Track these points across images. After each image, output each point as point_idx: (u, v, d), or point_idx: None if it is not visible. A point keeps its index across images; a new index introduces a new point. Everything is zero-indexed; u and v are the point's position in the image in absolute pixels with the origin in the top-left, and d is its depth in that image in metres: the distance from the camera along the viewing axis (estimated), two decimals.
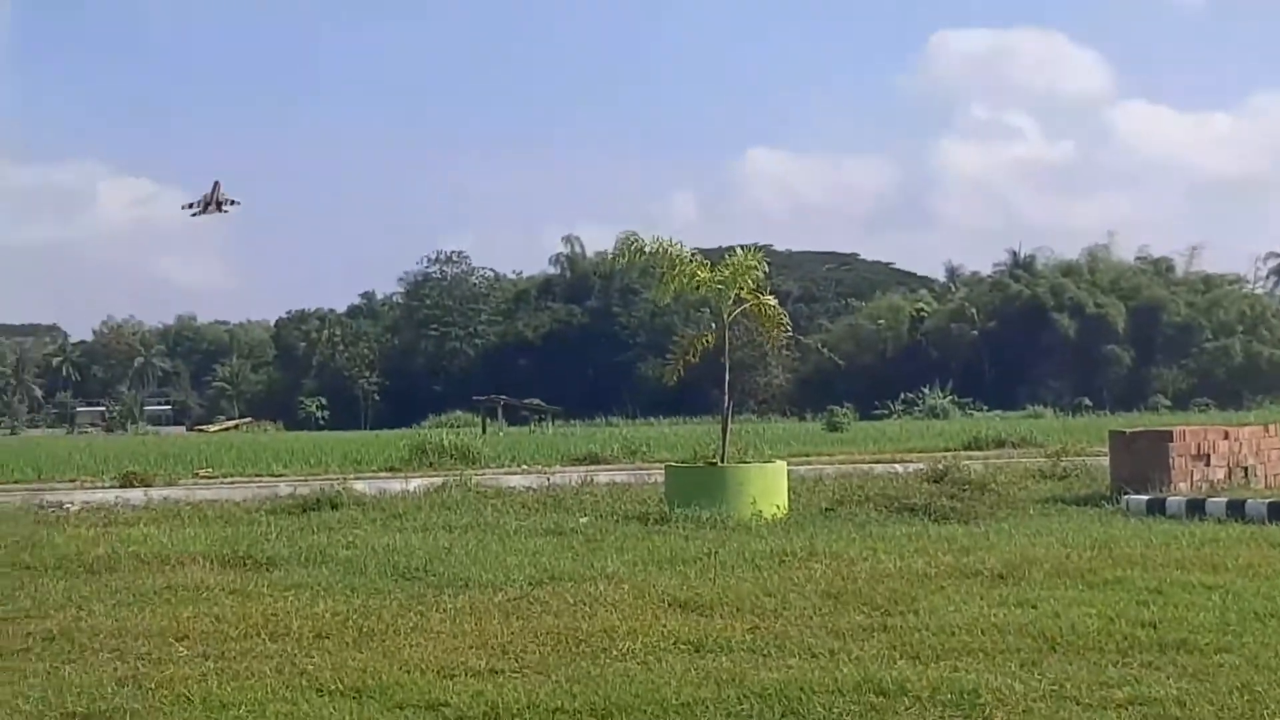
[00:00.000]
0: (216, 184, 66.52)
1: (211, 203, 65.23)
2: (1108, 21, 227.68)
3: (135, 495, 27.26)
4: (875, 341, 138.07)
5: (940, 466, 27.64)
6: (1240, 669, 9.77)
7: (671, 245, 25.27)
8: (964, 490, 24.23)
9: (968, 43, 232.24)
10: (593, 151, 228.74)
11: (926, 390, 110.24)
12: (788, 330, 27.07)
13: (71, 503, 25.75)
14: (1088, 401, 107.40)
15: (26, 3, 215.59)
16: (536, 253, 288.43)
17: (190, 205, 67.90)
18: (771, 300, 25.70)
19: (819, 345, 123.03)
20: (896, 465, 32.37)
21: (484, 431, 71.03)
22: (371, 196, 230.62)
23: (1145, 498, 22.23)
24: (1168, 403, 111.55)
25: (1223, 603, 12.44)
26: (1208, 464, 25.22)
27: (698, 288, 25.20)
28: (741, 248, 25.57)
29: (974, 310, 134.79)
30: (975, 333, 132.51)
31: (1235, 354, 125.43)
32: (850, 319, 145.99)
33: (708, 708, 8.94)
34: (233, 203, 68.93)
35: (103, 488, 30.28)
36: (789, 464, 25.85)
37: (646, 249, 25.45)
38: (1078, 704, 8.86)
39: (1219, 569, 14.63)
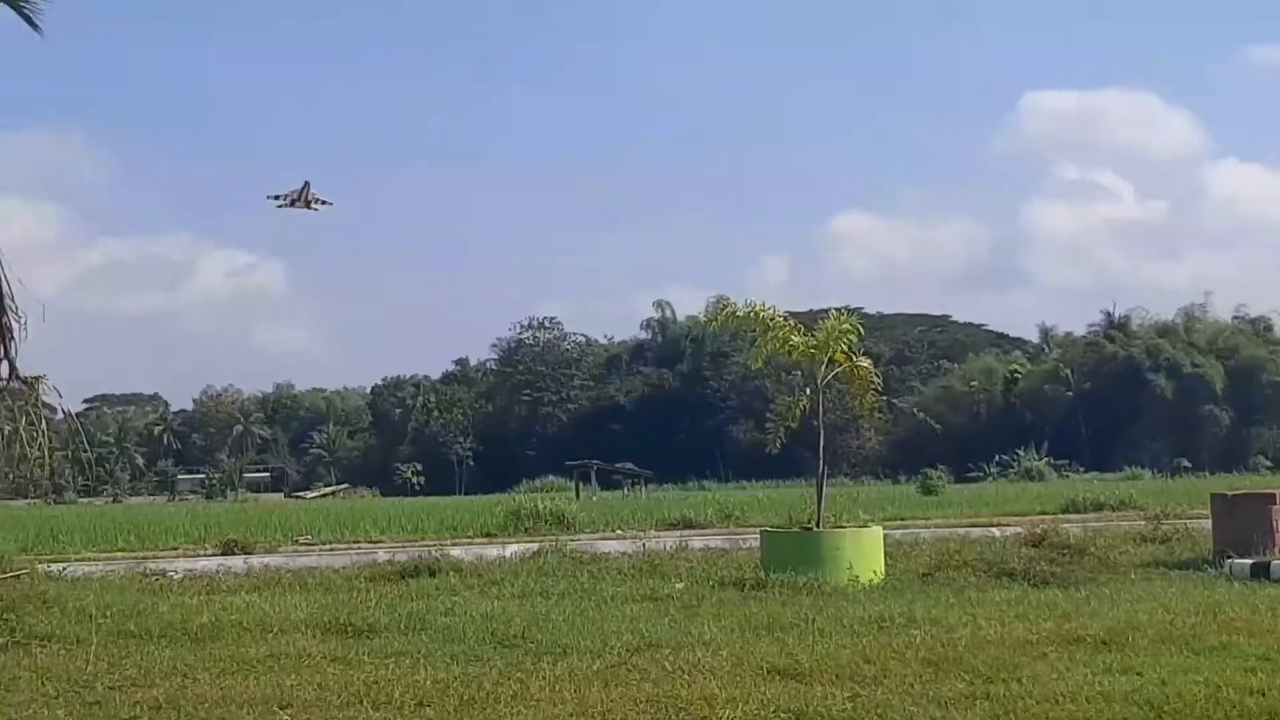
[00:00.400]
0: (306, 184, 65.14)
1: (300, 200, 63.72)
2: (1199, 81, 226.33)
3: (236, 563, 27.55)
4: (969, 403, 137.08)
5: (1038, 530, 27.25)
6: None
7: (764, 309, 25.25)
8: (1063, 554, 23.87)
9: (1058, 103, 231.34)
10: (684, 216, 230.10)
11: (1021, 452, 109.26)
12: (881, 393, 26.91)
13: (175, 571, 26.04)
14: (1186, 463, 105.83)
15: (125, 78, 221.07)
16: (628, 317, 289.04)
17: (276, 196, 65.99)
18: (865, 363, 25.57)
19: (912, 408, 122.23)
20: (993, 529, 31.99)
21: (577, 496, 71.12)
22: (466, 265, 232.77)
23: (1249, 561, 21.81)
24: (1269, 463, 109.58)
25: None
26: None
27: (791, 352, 25.14)
28: (835, 311, 25.50)
29: (1068, 371, 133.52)
30: (1070, 394, 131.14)
31: None
32: (943, 381, 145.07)
33: None
34: (324, 202, 67.49)
35: (205, 555, 30.61)
36: (884, 528, 25.64)
37: (739, 312, 25.47)
38: None
39: None
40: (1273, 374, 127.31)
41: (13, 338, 16.91)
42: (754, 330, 25.47)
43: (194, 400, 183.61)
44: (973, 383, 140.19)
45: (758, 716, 10.95)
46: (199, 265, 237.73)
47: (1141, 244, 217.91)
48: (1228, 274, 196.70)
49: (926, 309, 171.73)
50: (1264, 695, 11.08)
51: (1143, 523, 31.26)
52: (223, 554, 30.31)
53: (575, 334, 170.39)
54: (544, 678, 13.01)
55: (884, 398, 29.88)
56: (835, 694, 11.81)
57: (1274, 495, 25.28)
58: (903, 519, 39.11)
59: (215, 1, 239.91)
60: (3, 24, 17.80)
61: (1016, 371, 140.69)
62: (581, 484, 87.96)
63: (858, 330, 25.05)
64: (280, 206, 64.98)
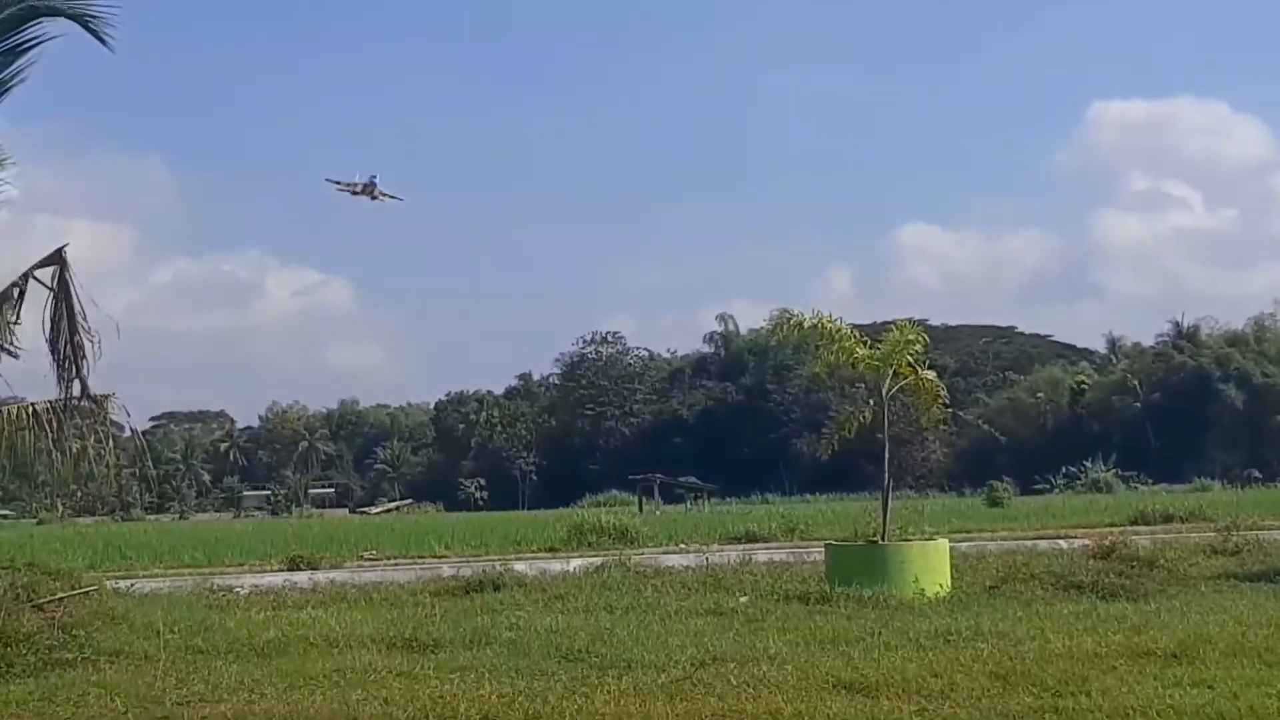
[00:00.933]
0: (374, 177, 64.35)
1: (363, 191, 62.94)
2: (1268, 89, 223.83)
3: (302, 578, 27.73)
4: (1035, 415, 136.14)
5: (1107, 542, 26.99)
6: None
7: (829, 320, 25.18)
8: (1132, 567, 23.62)
9: (1126, 113, 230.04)
10: (748, 229, 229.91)
11: (1088, 464, 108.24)
12: (946, 405, 26.74)
13: (241, 586, 26.25)
14: (1257, 474, 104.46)
15: (194, 98, 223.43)
16: (691, 331, 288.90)
17: (336, 181, 64.99)
18: (931, 375, 25.44)
19: (978, 420, 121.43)
20: (1060, 541, 31.72)
21: (640, 510, 71.17)
22: (529, 281, 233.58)
23: None
24: None
25: None
26: None
27: (856, 364, 25.05)
28: (899, 323, 25.36)
29: (1136, 382, 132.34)
30: (1138, 405, 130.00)
31: None
32: (1009, 393, 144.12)
33: None
34: (391, 196, 66.33)
35: (270, 571, 30.84)
36: (950, 541, 25.48)
37: (804, 324, 25.40)
38: None
39: None
40: None
41: (84, 357, 17.11)
42: (818, 342, 25.40)
43: (260, 417, 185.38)
44: (1038, 394, 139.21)
45: None
46: (267, 283, 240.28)
47: (1211, 253, 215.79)
48: None
49: (992, 321, 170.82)
50: None
51: (1213, 534, 30.92)
52: (288, 570, 30.53)
53: (638, 348, 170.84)
54: (609, 692, 13.01)
55: (949, 410, 29.71)
56: (902, 708, 11.75)
57: None
58: (968, 532, 38.84)
59: (288, 20, 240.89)
60: (72, 42, 17.98)
61: (1083, 382, 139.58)
62: (644, 498, 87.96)
63: (923, 341, 24.95)
64: (340, 190, 64.08)
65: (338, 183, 63.81)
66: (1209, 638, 15.09)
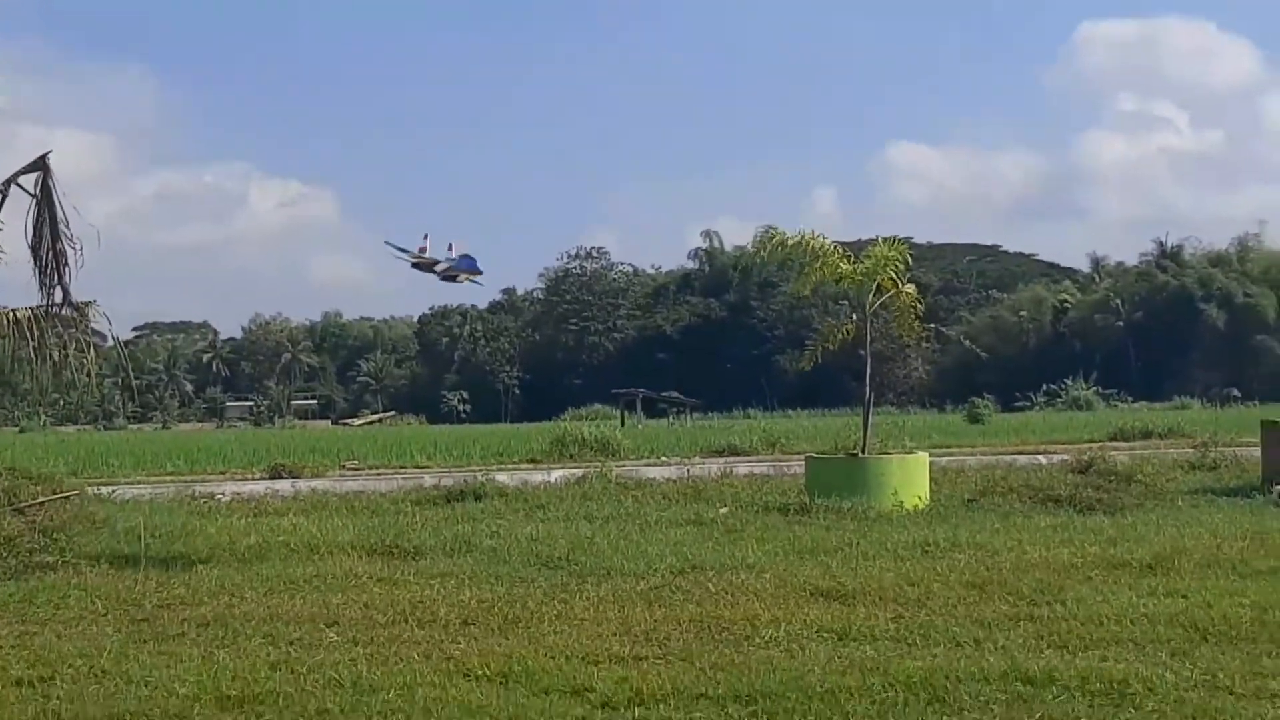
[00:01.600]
0: (456, 259, 55.95)
1: (431, 267, 55.84)
2: (1257, 8, 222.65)
3: (284, 486, 27.78)
4: (1017, 333, 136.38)
5: (1085, 457, 27.09)
6: None
7: (813, 238, 25.14)
8: (1110, 481, 23.75)
9: (1114, 33, 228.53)
10: (734, 147, 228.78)
11: (1069, 382, 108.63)
12: (923, 320, 26.77)
13: (222, 494, 26.27)
14: (1236, 393, 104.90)
15: (173, 9, 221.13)
16: (676, 248, 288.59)
17: (402, 250, 56.72)
18: (911, 289, 25.45)
19: (960, 337, 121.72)
20: (1039, 457, 31.87)
21: (623, 424, 71.23)
22: (515, 195, 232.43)
23: None
24: None
25: None
26: None
27: (839, 279, 25.04)
28: (882, 239, 25.33)
29: (1119, 301, 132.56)
30: (1120, 324, 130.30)
31: None
32: (992, 311, 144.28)
33: (852, 695, 8.88)
34: (472, 278, 57.63)
35: (252, 480, 30.88)
36: (930, 455, 25.61)
37: (788, 240, 25.36)
38: (1231, 694, 8.69)
39: None
40: None
41: (66, 264, 16.99)
42: (802, 259, 25.37)
43: (243, 329, 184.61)
44: (1022, 312, 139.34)
45: (800, 636, 10.99)
46: (251, 194, 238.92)
47: (1197, 174, 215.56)
48: None
49: (977, 239, 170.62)
50: None
51: (1191, 450, 31.11)
52: (270, 478, 30.60)
53: (623, 264, 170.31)
54: (588, 598, 13.10)
55: (929, 325, 29.78)
56: (878, 615, 11.85)
57: None
58: (949, 447, 38.99)
59: None
60: None
61: (1066, 301, 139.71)
62: (627, 412, 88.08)
63: (905, 258, 24.94)
64: (398, 258, 56.08)
65: (400, 250, 56.89)
66: (1184, 550, 15.23)
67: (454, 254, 57.60)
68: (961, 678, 9.24)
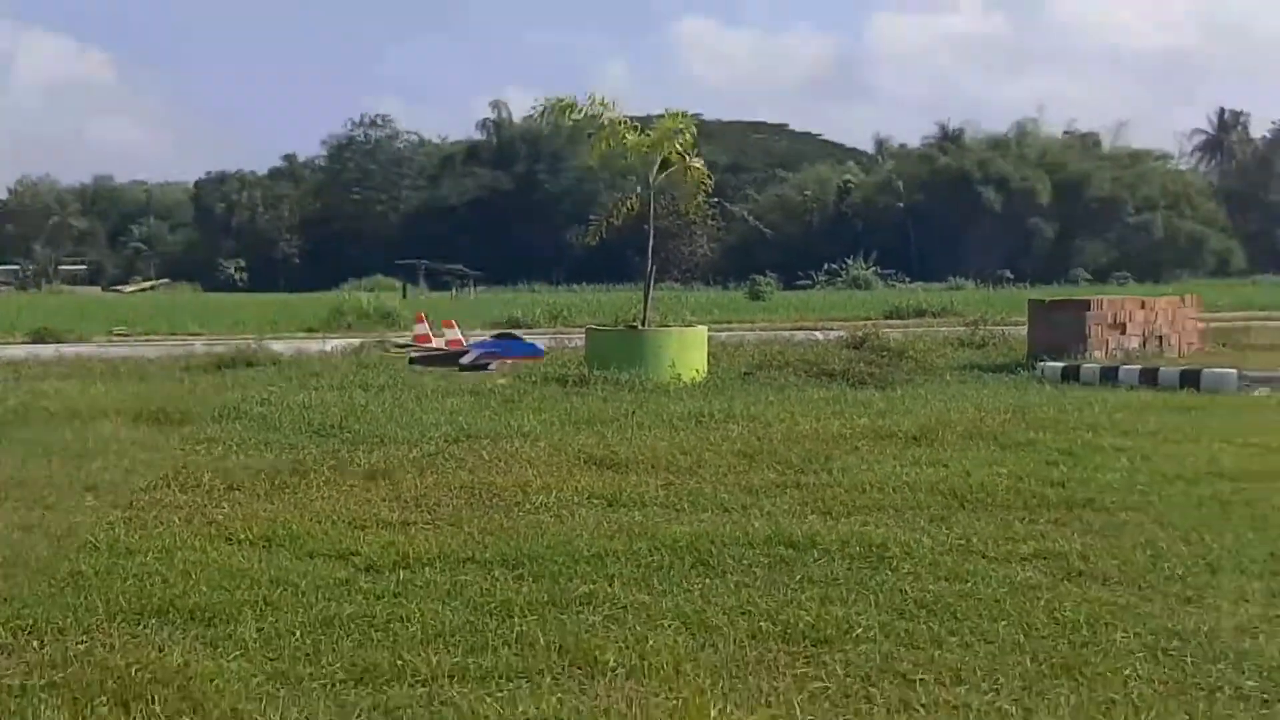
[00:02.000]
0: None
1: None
2: None
3: (46, 351, 26.96)
4: (801, 212, 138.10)
5: (859, 333, 27.79)
6: (1145, 527, 9.95)
7: (601, 103, 25.03)
8: (882, 357, 24.40)
9: None
10: (523, 16, 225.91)
11: (850, 261, 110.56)
12: (710, 194, 26.94)
13: None
14: (1010, 274, 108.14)
15: None
16: (463, 117, 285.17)
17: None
18: (698, 163, 25.55)
19: (744, 214, 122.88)
20: (816, 333, 32.56)
21: (404, 295, 70.70)
22: (297, 58, 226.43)
23: (1060, 365, 22.52)
24: (1089, 276, 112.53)
25: (1131, 465, 12.65)
26: (1123, 333, 25.61)
27: (626, 151, 25.00)
28: (670, 112, 25.34)
29: (900, 183, 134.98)
30: (901, 205, 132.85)
31: (1156, 229, 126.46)
32: (778, 189, 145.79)
33: (619, 558, 8.98)
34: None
35: (13, 344, 29.90)
36: (711, 331, 25.91)
37: (577, 108, 25.24)
38: (984, 557, 8.98)
39: (1129, 433, 14.87)
40: (1097, 189, 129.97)
41: None
42: (590, 130, 25.31)
43: (9, 190, 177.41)
44: (806, 192, 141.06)
45: (571, 503, 11.06)
46: (19, 51, 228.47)
47: (981, 58, 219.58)
48: (1062, 89, 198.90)
49: (765, 118, 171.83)
50: (1063, 486, 11.48)
51: (962, 329, 32.03)
52: (32, 342, 29.66)
53: (408, 133, 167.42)
54: (358, 465, 12.99)
55: (716, 201, 29.98)
56: (649, 482, 11.99)
57: (1087, 303, 26.10)
58: (730, 323, 39.59)
59: None
60: None
61: (850, 182, 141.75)
62: (409, 284, 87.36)
63: (691, 131, 24.99)
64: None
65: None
66: (948, 422, 15.69)
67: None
68: (726, 542, 9.40)
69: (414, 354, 16.68)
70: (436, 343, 18.72)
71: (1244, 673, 6.61)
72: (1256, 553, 9.08)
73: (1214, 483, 11.68)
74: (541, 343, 29.32)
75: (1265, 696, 6.33)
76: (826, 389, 20.37)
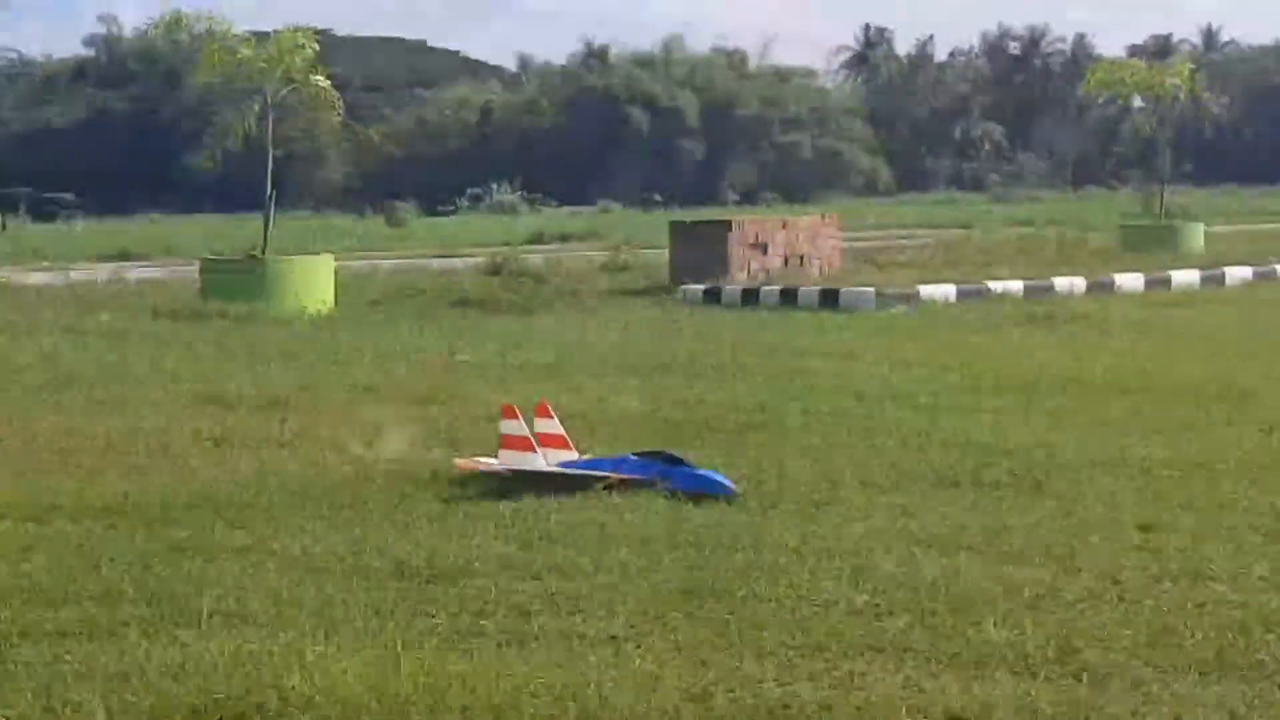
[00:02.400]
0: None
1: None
2: None
3: None
4: (442, 134, 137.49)
5: (498, 260, 27.91)
6: (768, 445, 10.36)
7: (217, 21, 24.47)
8: (522, 283, 24.59)
9: None
10: None
11: (494, 186, 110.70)
12: (340, 114, 26.57)
13: None
14: (658, 197, 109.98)
15: None
16: (69, 33, 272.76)
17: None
18: (324, 81, 25.15)
19: (375, 135, 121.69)
20: (456, 261, 32.45)
21: (4, 229, 67.62)
22: None
23: (702, 287, 23.11)
24: (737, 198, 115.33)
25: (765, 385, 13.14)
26: (766, 254, 26.37)
27: (240, 65, 24.42)
28: (290, 27, 24.89)
29: (546, 103, 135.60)
30: (546, 126, 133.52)
31: (804, 149, 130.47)
32: (418, 111, 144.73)
33: (223, 503, 8.87)
34: None
35: None
36: (344, 261, 25.64)
37: (190, 24, 24.61)
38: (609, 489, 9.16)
39: (773, 353, 15.46)
40: (745, 107, 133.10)
41: None
42: (207, 45, 24.73)
43: None
44: (446, 112, 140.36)
45: (176, 444, 10.84)
46: None
47: None
48: (709, 4, 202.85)
49: (403, 34, 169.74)
50: (693, 407, 11.86)
51: (605, 253, 32.46)
52: None
53: (7, 50, 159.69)
54: None
55: (349, 123, 29.62)
56: (262, 420, 11.83)
57: (729, 224, 26.88)
58: (366, 252, 39.10)
59: None
60: None
61: (492, 102, 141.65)
62: (9, 215, 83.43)
63: (313, 45, 24.53)
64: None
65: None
66: (586, 347, 15.96)
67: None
68: (343, 481, 9.42)
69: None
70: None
71: (858, 588, 6.91)
72: (876, 467, 9.57)
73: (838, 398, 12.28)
74: (157, 273, 28.49)
75: (878, 608, 6.63)
76: (463, 318, 20.45)
